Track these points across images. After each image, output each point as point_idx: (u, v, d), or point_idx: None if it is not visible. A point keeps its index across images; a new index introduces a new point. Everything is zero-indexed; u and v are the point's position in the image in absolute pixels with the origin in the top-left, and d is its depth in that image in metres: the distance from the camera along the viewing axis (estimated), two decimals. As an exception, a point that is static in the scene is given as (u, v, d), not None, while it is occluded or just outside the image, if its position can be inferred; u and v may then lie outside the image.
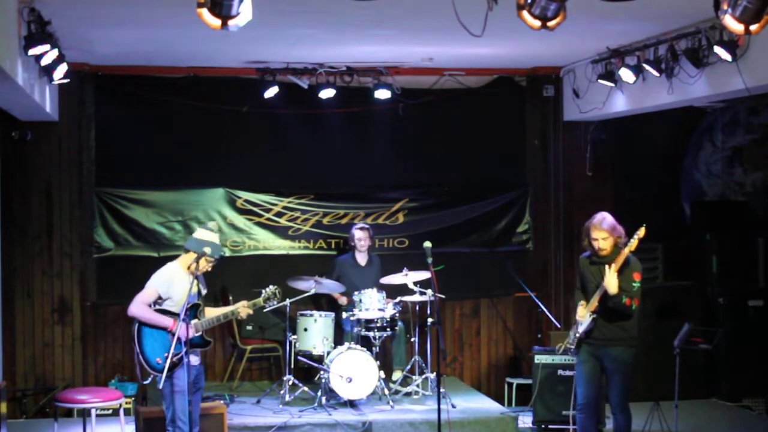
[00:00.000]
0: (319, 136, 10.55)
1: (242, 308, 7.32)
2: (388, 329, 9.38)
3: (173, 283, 7.12)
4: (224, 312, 7.34)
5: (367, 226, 10.11)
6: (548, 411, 8.97)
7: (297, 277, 9.41)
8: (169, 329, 7.02)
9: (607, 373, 7.46)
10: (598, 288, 7.28)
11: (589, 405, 7.51)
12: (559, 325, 10.07)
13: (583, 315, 7.42)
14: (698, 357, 9.86)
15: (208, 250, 7.05)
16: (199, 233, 7.21)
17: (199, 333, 7.14)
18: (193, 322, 7.10)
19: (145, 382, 7.24)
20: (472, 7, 5.69)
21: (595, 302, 7.30)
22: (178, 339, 6.87)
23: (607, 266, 7.17)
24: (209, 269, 7.24)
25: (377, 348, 9.29)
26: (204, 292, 7.34)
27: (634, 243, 7.12)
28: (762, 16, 5.24)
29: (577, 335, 7.43)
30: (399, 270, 9.52)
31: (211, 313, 7.32)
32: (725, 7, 5.27)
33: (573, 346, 7.51)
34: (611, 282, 7.10)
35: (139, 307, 7.08)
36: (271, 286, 7.61)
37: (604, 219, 7.36)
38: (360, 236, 9.97)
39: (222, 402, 8.72)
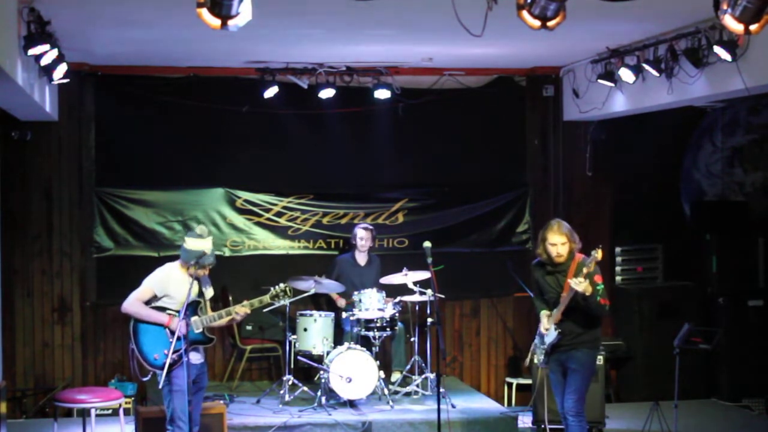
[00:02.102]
0: (319, 136, 10.55)
1: (239, 307, 7.30)
2: (388, 329, 9.38)
3: (170, 282, 7.12)
4: (226, 309, 7.34)
5: (371, 227, 10.10)
6: (548, 411, 8.95)
7: (297, 277, 9.39)
8: (164, 325, 7.02)
9: (567, 374, 7.29)
10: (558, 299, 7.11)
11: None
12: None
13: (548, 326, 7.26)
14: (698, 357, 9.87)
15: (210, 260, 7.05)
16: (190, 243, 7.14)
17: (200, 330, 7.14)
18: (193, 319, 7.11)
19: (145, 379, 7.24)
20: (472, 7, 5.69)
21: (559, 314, 7.14)
22: (178, 336, 6.87)
23: (577, 277, 6.90)
24: (207, 273, 7.24)
25: (377, 348, 9.29)
26: (210, 293, 7.33)
27: (591, 265, 6.89)
28: (762, 16, 5.23)
29: (545, 349, 7.29)
30: (399, 270, 9.53)
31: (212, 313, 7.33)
32: (725, 7, 5.26)
33: (543, 362, 7.38)
34: (583, 285, 6.86)
35: (132, 303, 7.09)
36: (281, 284, 7.56)
37: (563, 224, 7.21)
38: (363, 236, 9.97)
39: (222, 402, 8.73)
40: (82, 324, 10.17)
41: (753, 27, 5.27)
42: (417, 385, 9.50)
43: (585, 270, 6.89)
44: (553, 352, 7.28)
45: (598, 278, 7.07)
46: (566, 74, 10.51)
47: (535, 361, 7.66)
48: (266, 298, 7.46)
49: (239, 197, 10.49)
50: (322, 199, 10.63)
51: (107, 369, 10.26)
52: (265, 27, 7.65)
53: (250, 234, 10.51)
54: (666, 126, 10.71)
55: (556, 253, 7.14)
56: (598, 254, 6.84)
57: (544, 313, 7.35)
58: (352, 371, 8.93)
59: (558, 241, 7.12)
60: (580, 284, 6.87)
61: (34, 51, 7.02)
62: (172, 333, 6.99)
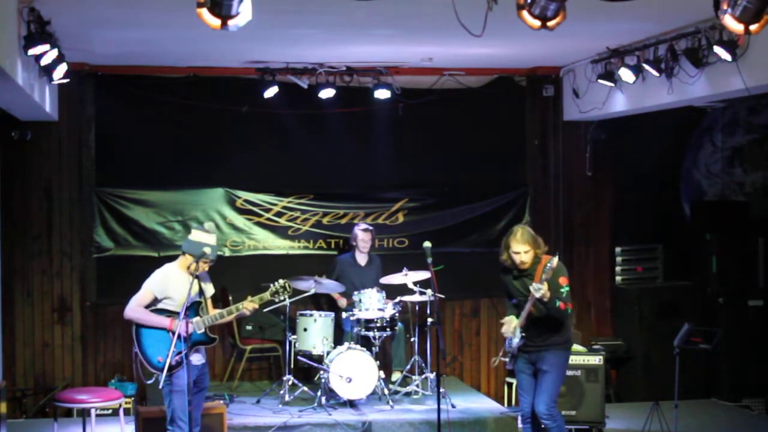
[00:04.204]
0: (319, 136, 10.55)
1: (248, 302, 7.26)
2: (388, 329, 9.38)
3: (170, 283, 7.10)
4: (228, 308, 7.32)
5: (370, 227, 10.10)
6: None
7: (297, 277, 9.38)
8: (167, 329, 7.01)
9: (537, 376, 7.23)
10: (525, 301, 7.05)
11: (533, 414, 7.34)
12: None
13: (509, 330, 7.20)
14: (698, 357, 9.86)
15: (208, 250, 7.03)
16: (195, 235, 7.14)
17: (202, 330, 7.13)
18: (195, 319, 7.08)
19: (149, 382, 7.22)
20: (472, 7, 5.69)
21: (523, 320, 7.10)
22: (179, 336, 6.86)
23: (537, 282, 6.88)
24: (206, 269, 7.22)
25: (377, 348, 9.29)
26: (210, 290, 7.32)
27: (549, 272, 6.79)
28: (762, 16, 5.23)
29: (511, 352, 7.25)
30: (399, 270, 9.53)
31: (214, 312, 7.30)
32: (725, 7, 5.26)
33: (509, 363, 7.35)
34: (541, 291, 6.81)
35: (134, 309, 7.07)
36: (280, 280, 7.55)
37: (526, 231, 7.14)
38: (362, 237, 9.97)
39: (222, 402, 8.73)
40: (82, 324, 10.17)
41: (753, 27, 5.28)
42: (417, 385, 9.50)
43: (544, 276, 6.83)
44: (521, 353, 7.26)
45: (563, 280, 7.04)
46: (566, 74, 10.52)
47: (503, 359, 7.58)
48: (266, 295, 7.42)
49: (239, 197, 10.49)
50: (322, 199, 10.63)
51: (107, 369, 10.26)
52: (265, 27, 7.65)
53: (250, 234, 10.51)
54: (666, 126, 10.72)
55: (519, 261, 7.09)
56: (553, 262, 6.80)
57: (509, 318, 7.29)
58: (352, 371, 8.93)
59: (521, 250, 7.06)
60: (538, 290, 6.85)
61: (34, 51, 7.02)
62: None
